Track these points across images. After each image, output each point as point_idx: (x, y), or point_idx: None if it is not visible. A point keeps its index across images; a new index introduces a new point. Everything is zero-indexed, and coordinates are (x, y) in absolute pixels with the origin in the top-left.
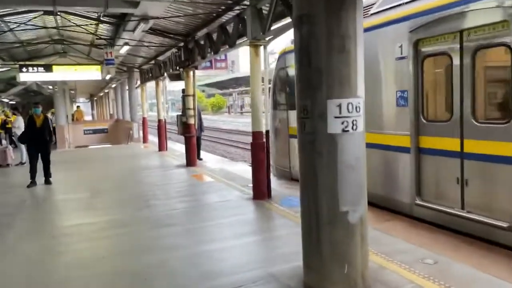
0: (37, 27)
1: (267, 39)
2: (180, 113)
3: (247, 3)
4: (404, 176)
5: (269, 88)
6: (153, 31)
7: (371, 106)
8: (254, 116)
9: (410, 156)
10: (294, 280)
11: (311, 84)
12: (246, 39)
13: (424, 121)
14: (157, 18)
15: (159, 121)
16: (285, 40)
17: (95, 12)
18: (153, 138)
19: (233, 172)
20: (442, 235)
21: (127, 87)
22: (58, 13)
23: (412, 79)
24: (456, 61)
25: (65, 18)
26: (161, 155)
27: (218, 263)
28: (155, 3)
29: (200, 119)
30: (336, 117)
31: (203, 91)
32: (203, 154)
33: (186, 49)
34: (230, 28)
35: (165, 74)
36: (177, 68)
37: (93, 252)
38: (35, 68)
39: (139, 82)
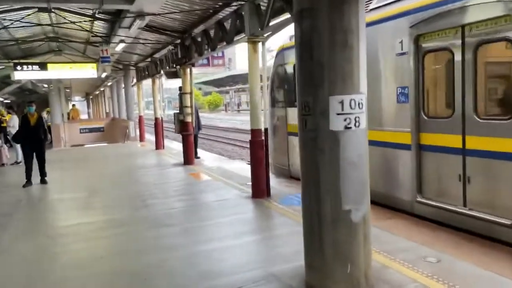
0: (32, 24)
1: (265, 35)
2: (177, 111)
3: None
4: (404, 174)
5: (267, 85)
6: (149, 28)
7: (371, 103)
8: (253, 113)
9: (411, 153)
10: (296, 280)
11: (312, 80)
12: (244, 35)
13: (425, 117)
14: (153, 14)
15: (156, 119)
16: (282, 37)
17: (90, 9)
18: (150, 137)
19: (231, 170)
20: (444, 233)
21: (123, 85)
22: (53, 10)
23: (412, 75)
24: (458, 57)
25: (60, 15)
26: (158, 154)
27: (218, 263)
28: None
29: (197, 117)
30: (338, 114)
31: (200, 89)
32: (200, 152)
33: (183, 46)
34: (227, 24)
35: (162, 71)
36: (174, 66)
37: (91, 252)
38: (29, 66)
39: (135, 80)
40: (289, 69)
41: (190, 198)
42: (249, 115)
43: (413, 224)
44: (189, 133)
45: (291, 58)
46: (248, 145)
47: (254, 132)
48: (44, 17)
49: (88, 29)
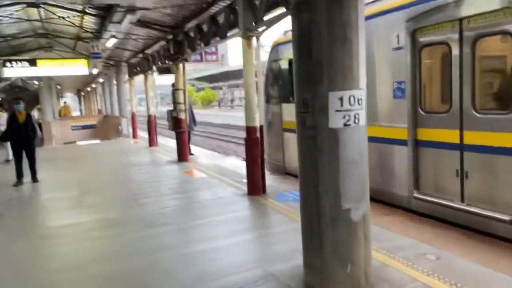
0: (21, 20)
1: (260, 30)
2: (171, 108)
3: None
4: (401, 169)
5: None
6: (140, 23)
7: (367, 98)
8: (248, 110)
9: (407, 148)
10: (295, 280)
11: (311, 76)
12: (238, 30)
13: (422, 112)
14: (145, 9)
15: (149, 116)
16: (276, 32)
17: (79, 4)
18: (143, 134)
19: (226, 167)
20: (442, 229)
21: (115, 82)
22: (42, 5)
23: (409, 70)
24: (456, 51)
25: (49, 11)
26: (151, 151)
27: (214, 263)
28: None
29: (192, 113)
30: (337, 111)
31: (193, 85)
32: (194, 149)
33: (176, 41)
34: (221, 19)
35: (154, 67)
36: (166, 62)
37: (83, 254)
38: (19, 63)
39: (127, 77)
40: (284, 64)
41: (184, 196)
42: (242, 111)
43: (410, 221)
44: (182, 130)
45: (286, 54)
46: (242, 141)
47: (249, 129)
48: (33, 13)
49: (78, 25)
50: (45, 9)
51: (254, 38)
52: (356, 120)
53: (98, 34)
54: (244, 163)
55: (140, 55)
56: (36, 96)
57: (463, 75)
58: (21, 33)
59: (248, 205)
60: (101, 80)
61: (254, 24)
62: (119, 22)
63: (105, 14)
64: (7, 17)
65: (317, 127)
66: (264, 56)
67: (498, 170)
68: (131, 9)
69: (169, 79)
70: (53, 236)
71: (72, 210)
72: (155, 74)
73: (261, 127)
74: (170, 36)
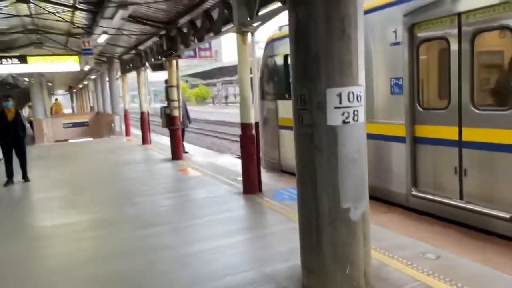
0: (10, 16)
1: (254, 25)
2: (164, 105)
3: None
4: (399, 167)
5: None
6: (132, 18)
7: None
8: (243, 107)
9: (405, 146)
10: (292, 281)
11: (308, 72)
12: (232, 25)
13: (420, 109)
14: (137, 4)
15: (142, 113)
16: (271, 28)
17: None
18: (136, 131)
19: (221, 165)
20: (441, 227)
21: (107, 79)
22: (31, 0)
23: (407, 66)
24: (454, 46)
25: (39, 6)
26: (145, 149)
27: (210, 264)
28: None
29: (186, 110)
30: (336, 108)
31: (187, 81)
32: (189, 147)
33: (169, 37)
34: (215, 14)
35: (147, 64)
36: (159, 58)
37: (76, 255)
38: (9, 60)
39: (119, 73)
40: (279, 60)
41: (179, 195)
42: (237, 107)
43: (409, 219)
44: (176, 128)
45: (281, 49)
46: (237, 138)
47: (245, 126)
48: (23, 8)
49: (69, 20)
50: (35, 4)
51: (249, 34)
52: (355, 117)
53: (89, 29)
54: (239, 161)
55: (133, 51)
56: (27, 93)
57: (461, 71)
58: (10, 29)
59: (243, 203)
60: (93, 77)
61: (248, 19)
62: (111, 18)
63: (96, 9)
64: None
65: (314, 125)
66: (259, 52)
67: (497, 167)
68: (123, 4)
69: (162, 75)
70: (45, 237)
71: (64, 209)
72: (148, 71)
73: (256, 124)
74: (163, 32)
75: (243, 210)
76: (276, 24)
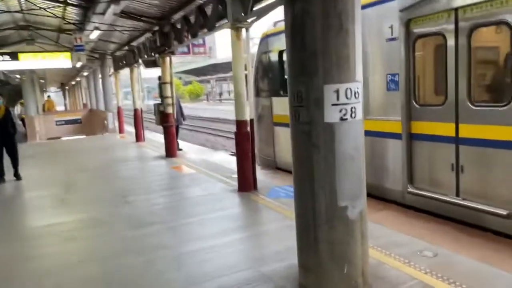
0: (0, 11)
1: (249, 20)
2: (158, 102)
3: None
4: (395, 164)
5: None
6: (125, 14)
7: None
8: (238, 104)
9: (401, 142)
10: (289, 280)
11: (305, 68)
12: (227, 21)
13: (416, 105)
14: None
15: (135, 110)
16: (265, 24)
17: None
18: (129, 128)
19: (215, 162)
20: (437, 224)
21: (100, 75)
22: None
23: (403, 62)
24: (451, 41)
25: (30, 2)
26: (138, 146)
27: (206, 264)
28: None
29: (180, 107)
30: (333, 105)
31: (180, 78)
32: (183, 144)
33: (162, 33)
34: (208, 10)
35: (140, 60)
36: (153, 54)
37: (68, 255)
38: (0, 57)
39: (112, 70)
40: (274, 57)
41: (173, 193)
42: (231, 104)
43: (405, 216)
44: (170, 125)
45: (276, 45)
46: (231, 135)
47: (239, 123)
48: (13, 4)
49: (60, 16)
50: (26, 0)
51: (243, 30)
52: (353, 114)
53: (81, 25)
54: (233, 158)
55: (126, 48)
56: (19, 90)
57: (458, 66)
58: (2, 25)
59: (239, 201)
60: (85, 73)
61: (243, 14)
62: (103, 13)
63: (87, 4)
64: None
65: (312, 122)
66: (254, 48)
67: (494, 164)
68: None
69: (155, 72)
70: (38, 237)
71: (57, 208)
72: (141, 67)
73: (251, 121)
74: (156, 28)
75: (238, 208)
76: (271, 20)
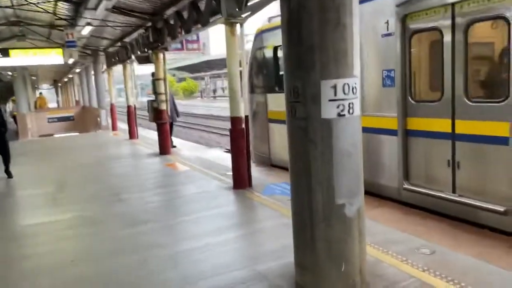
0: None
1: (243, 16)
2: (151, 99)
3: None
4: (391, 160)
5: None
6: (117, 9)
7: None
8: (232, 100)
9: (397, 138)
10: (285, 279)
11: (302, 63)
12: (221, 16)
13: (412, 101)
14: None
15: (129, 107)
16: (260, 19)
17: None
18: (123, 125)
19: (210, 159)
20: (434, 221)
21: (92, 72)
22: None
23: (399, 57)
24: (448, 37)
25: None
26: (132, 144)
27: (201, 263)
28: None
29: (174, 104)
30: (330, 100)
31: (174, 75)
32: (177, 141)
33: (155, 29)
34: (202, 5)
35: (133, 57)
36: (146, 50)
37: (60, 255)
38: None
39: (105, 66)
40: (269, 53)
41: (167, 191)
42: (225, 101)
43: (401, 213)
44: (164, 122)
45: (271, 41)
46: (226, 132)
47: (234, 120)
48: (4, 0)
49: (51, 11)
50: None
51: (238, 25)
52: (351, 110)
53: (72, 21)
54: (228, 155)
55: (118, 44)
56: (11, 87)
57: (455, 62)
58: None
59: (234, 199)
60: (78, 70)
61: (237, 9)
62: (95, 8)
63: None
64: None
65: (308, 118)
66: (248, 44)
67: (491, 160)
68: None
69: (149, 68)
70: (31, 235)
71: (50, 207)
72: (135, 64)
73: (246, 117)
74: (149, 24)
75: (233, 205)
76: (266, 15)
